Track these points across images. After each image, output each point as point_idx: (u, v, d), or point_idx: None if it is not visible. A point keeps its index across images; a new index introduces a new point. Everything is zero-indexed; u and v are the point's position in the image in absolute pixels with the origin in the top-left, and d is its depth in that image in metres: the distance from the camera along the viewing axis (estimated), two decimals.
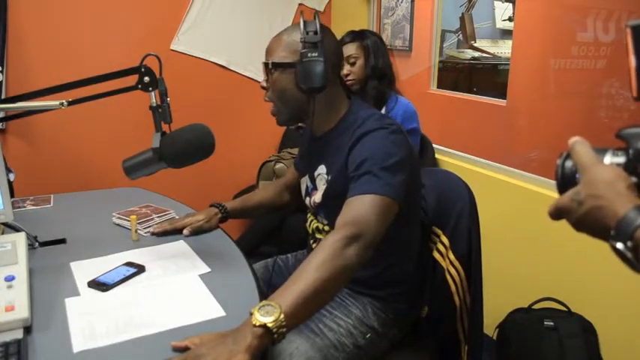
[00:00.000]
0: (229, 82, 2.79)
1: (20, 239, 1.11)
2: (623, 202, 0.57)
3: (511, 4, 3.13)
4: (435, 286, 1.32)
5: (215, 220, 1.41)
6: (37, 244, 1.28)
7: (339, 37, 1.46)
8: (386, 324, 1.24)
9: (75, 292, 1.06)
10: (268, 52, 1.21)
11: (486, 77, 3.08)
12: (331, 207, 1.21)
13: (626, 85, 1.65)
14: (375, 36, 2.24)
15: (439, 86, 2.55)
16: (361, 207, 1.02)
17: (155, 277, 1.14)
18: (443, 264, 1.30)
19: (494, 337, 1.78)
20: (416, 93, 2.49)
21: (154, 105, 1.15)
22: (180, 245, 1.32)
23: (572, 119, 1.85)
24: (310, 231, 1.34)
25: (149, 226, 1.40)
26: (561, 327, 1.61)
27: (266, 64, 1.20)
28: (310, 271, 0.91)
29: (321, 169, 1.25)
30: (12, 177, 1.64)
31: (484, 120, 2.24)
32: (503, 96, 2.12)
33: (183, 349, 0.84)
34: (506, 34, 3.26)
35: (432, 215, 1.33)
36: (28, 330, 0.91)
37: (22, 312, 0.90)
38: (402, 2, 2.58)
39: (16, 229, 1.24)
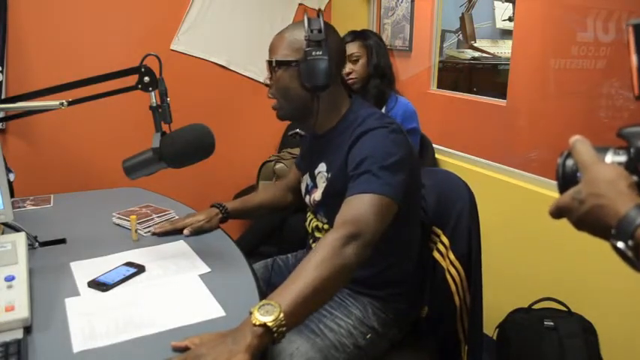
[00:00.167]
0: (229, 82, 2.79)
1: (20, 239, 1.11)
2: (624, 201, 0.57)
3: (511, 4, 3.13)
4: (435, 286, 1.32)
5: (215, 220, 1.41)
6: (37, 244, 1.28)
7: None
8: (386, 324, 1.24)
9: (75, 292, 1.06)
10: (272, 49, 1.21)
11: (486, 77, 3.08)
12: (331, 205, 1.21)
13: (626, 85, 1.65)
14: (375, 36, 2.26)
15: (439, 86, 2.55)
16: (360, 206, 1.02)
17: (155, 277, 1.14)
18: (443, 264, 1.30)
19: (494, 337, 1.78)
20: (416, 93, 2.49)
21: (154, 105, 1.15)
22: (180, 245, 1.32)
23: (572, 119, 1.85)
24: (310, 230, 1.34)
25: (149, 226, 1.40)
26: (561, 327, 1.61)
27: (270, 62, 1.20)
28: (309, 270, 0.91)
29: (322, 167, 1.25)
30: (12, 177, 1.64)
31: (484, 120, 2.24)
32: (503, 96, 2.12)
33: (183, 349, 0.84)
34: (506, 34, 3.26)
35: (432, 215, 1.33)
36: (28, 330, 0.91)
37: (22, 312, 0.90)
38: (402, 2, 2.58)
39: (16, 229, 1.24)
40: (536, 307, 1.72)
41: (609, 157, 0.63)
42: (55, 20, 2.33)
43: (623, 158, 0.63)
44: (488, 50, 3.16)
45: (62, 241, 1.32)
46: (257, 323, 0.82)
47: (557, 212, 0.65)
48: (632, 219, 0.55)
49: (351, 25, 2.38)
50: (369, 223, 1.00)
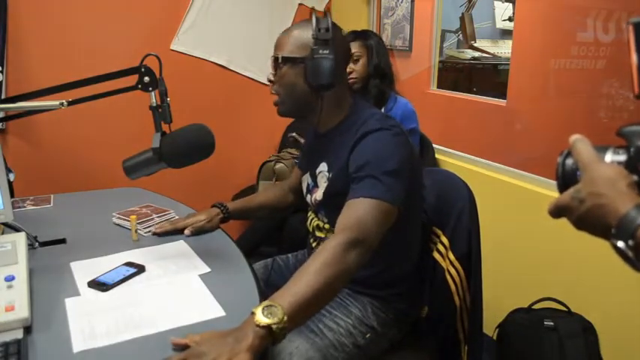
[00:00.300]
0: (229, 82, 2.79)
1: (20, 239, 1.11)
2: (624, 201, 0.57)
3: (511, 4, 3.13)
4: (434, 286, 1.32)
5: (216, 220, 1.41)
6: (37, 244, 1.28)
7: None
8: (386, 324, 1.24)
9: (75, 292, 1.06)
10: (278, 46, 1.21)
11: (486, 77, 3.08)
12: (332, 205, 1.21)
13: (626, 85, 1.65)
14: (376, 36, 2.26)
15: (439, 86, 2.55)
16: (362, 211, 1.03)
17: (155, 277, 1.14)
18: (443, 264, 1.30)
19: (494, 337, 1.78)
20: (416, 93, 2.49)
21: (154, 105, 1.15)
22: (180, 245, 1.32)
23: (572, 119, 1.85)
24: (310, 229, 1.34)
25: (149, 226, 1.40)
26: (561, 327, 1.61)
27: (275, 58, 1.20)
28: (312, 274, 0.92)
29: (323, 167, 1.25)
30: (12, 177, 1.64)
31: (484, 120, 2.24)
32: (503, 96, 2.12)
33: (183, 347, 0.84)
34: (506, 34, 3.26)
35: (431, 215, 1.33)
36: (28, 330, 0.91)
37: (22, 312, 0.90)
38: (402, 2, 2.58)
39: (16, 229, 1.24)
40: (536, 307, 1.72)
41: (609, 157, 0.63)
42: (55, 20, 2.33)
43: (622, 157, 0.62)
44: (488, 50, 3.16)
45: (62, 241, 1.32)
46: (260, 324, 0.82)
47: (557, 211, 0.65)
48: (632, 218, 0.55)
49: (351, 25, 2.38)
50: (371, 229, 1.01)
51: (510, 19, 3.14)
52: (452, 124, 2.43)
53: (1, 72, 2.21)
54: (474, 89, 2.88)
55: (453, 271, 1.28)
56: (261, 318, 0.83)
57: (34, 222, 1.38)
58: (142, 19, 2.52)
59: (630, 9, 1.66)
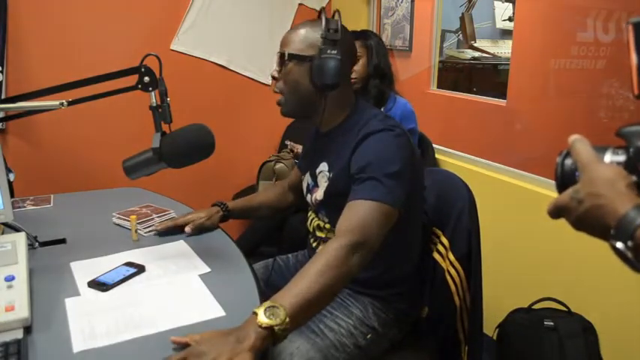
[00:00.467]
0: (229, 82, 2.79)
1: (20, 239, 1.11)
2: (623, 201, 0.57)
3: (511, 4, 3.13)
4: (435, 286, 1.32)
5: (216, 217, 1.41)
6: (37, 244, 1.28)
7: None
8: (386, 324, 1.24)
9: (75, 292, 1.06)
10: (284, 42, 1.20)
11: (486, 77, 3.08)
12: (332, 205, 1.21)
13: (626, 85, 1.65)
14: (376, 37, 2.26)
15: (439, 86, 2.55)
16: (364, 214, 1.03)
17: (155, 277, 1.14)
18: (443, 264, 1.30)
19: (494, 337, 1.78)
20: (416, 93, 2.49)
21: (154, 105, 1.15)
22: (180, 245, 1.32)
23: (572, 119, 1.85)
24: (311, 229, 1.34)
25: (149, 226, 1.40)
26: (561, 327, 1.61)
27: (282, 54, 1.19)
28: (314, 276, 0.92)
29: (323, 167, 1.25)
30: (12, 177, 1.64)
31: (484, 120, 2.24)
32: (503, 96, 2.12)
33: (184, 346, 0.84)
34: (506, 34, 3.26)
35: (431, 215, 1.33)
36: (28, 330, 0.91)
37: (22, 312, 0.90)
38: (402, 2, 2.58)
39: (16, 229, 1.24)
40: (536, 307, 1.72)
41: (608, 157, 0.63)
42: (55, 20, 2.33)
43: (622, 158, 0.62)
44: (488, 50, 3.16)
45: (62, 241, 1.32)
46: (263, 325, 0.82)
47: (556, 212, 0.64)
48: (631, 219, 0.55)
49: (351, 25, 2.36)
50: (372, 231, 1.02)
51: (510, 19, 3.14)
52: (452, 124, 2.43)
53: (1, 72, 2.21)
54: (474, 89, 2.88)
55: (453, 271, 1.28)
56: (264, 319, 0.83)
57: (34, 222, 1.38)
58: (142, 19, 2.52)
59: (630, 9, 1.66)
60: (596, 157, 0.63)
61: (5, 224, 1.24)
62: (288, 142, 2.63)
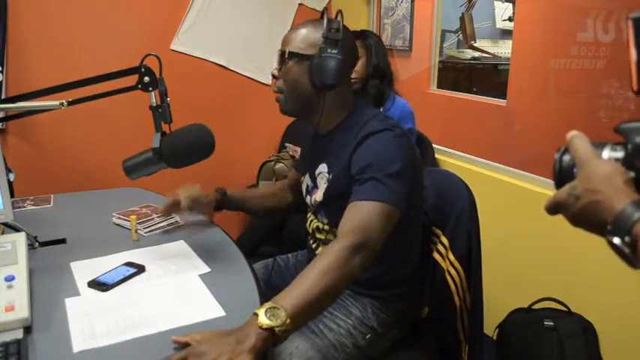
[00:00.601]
0: (229, 82, 2.79)
1: (20, 239, 1.11)
2: (620, 197, 0.57)
3: (511, 4, 3.13)
4: (435, 286, 1.32)
5: (212, 196, 1.37)
6: (37, 244, 1.28)
7: None
8: (386, 324, 1.24)
9: (75, 292, 1.06)
10: (285, 41, 1.20)
11: (486, 77, 3.08)
12: (332, 206, 1.21)
13: (626, 85, 1.65)
14: (375, 36, 2.26)
15: (439, 86, 2.55)
16: (366, 214, 1.03)
17: (155, 277, 1.14)
18: (443, 264, 1.30)
19: (494, 337, 1.78)
20: (416, 93, 2.49)
21: (154, 105, 1.15)
22: (180, 245, 1.32)
23: (572, 119, 1.85)
24: (310, 230, 1.34)
25: (149, 226, 1.40)
26: (561, 327, 1.61)
27: (282, 53, 1.19)
28: (316, 277, 0.92)
29: (322, 168, 1.25)
30: (12, 177, 1.64)
31: (484, 120, 2.24)
32: (503, 96, 2.12)
33: (184, 346, 0.84)
34: (506, 34, 3.26)
35: (431, 215, 1.33)
36: (28, 330, 0.91)
37: (22, 312, 0.90)
38: (402, 2, 2.58)
39: (16, 229, 1.24)
40: (536, 307, 1.72)
41: (606, 153, 0.63)
42: (55, 20, 2.33)
43: (620, 154, 0.62)
44: (488, 50, 3.16)
45: (62, 241, 1.32)
46: (263, 326, 0.82)
47: (553, 208, 0.64)
48: (628, 215, 0.55)
49: (351, 25, 2.35)
50: (374, 232, 1.01)
51: (510, 19, 3.14)
52: (452, 124, 2.43)
53: (1, 72, 2.21)
54: (474, 89, 2.88)
55: (453, 271, 1.27)
56: (264, 320, 0.83)
57: (34, 222, 1.38)
58: (142, 19, 2.52)
59: (630, 9, 1.66)
60: (594, 153, 0.63)
61: (5, 224, 1.24)
62: (287, 145, 2.63)
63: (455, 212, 1.28)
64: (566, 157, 0.66)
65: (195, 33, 2.65)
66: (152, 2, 2.54)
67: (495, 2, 3.31)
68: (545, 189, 1.85)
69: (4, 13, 2.20)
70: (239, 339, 0.82)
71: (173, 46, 2.61)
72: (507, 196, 2.01)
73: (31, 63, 2.29)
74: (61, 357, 0.85)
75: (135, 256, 1.24)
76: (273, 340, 0.83)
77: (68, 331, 0.91)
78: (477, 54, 3.11)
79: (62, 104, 1.17)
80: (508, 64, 2.09)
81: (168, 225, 1.44)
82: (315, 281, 0.91)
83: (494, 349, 1.78)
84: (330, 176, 1.22)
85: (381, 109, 2.14)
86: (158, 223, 1.43)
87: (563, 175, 0.65)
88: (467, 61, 3.09)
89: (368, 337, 1.21)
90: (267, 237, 2.42)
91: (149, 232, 1.39)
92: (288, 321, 0.84)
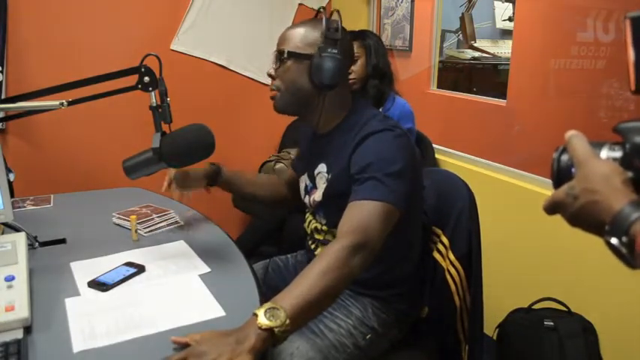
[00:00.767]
0: (229, 82, 2.79)
1: (20, 239, 1.11)
2: (618, 197, 0.57)
3: (511, 4, 3.13)
4: (435, 286, 1.32)
5: (201, 171, 1.40)
6: (37, 244, 1.28)
7: None
8: (386, 324, 1.24)
9: (75, 292, 1.06)
10: (283, 40, 1.19)
11: (486, 77, 3.08)
12: (331, 206, 1.21)
13: (625, 85, 1.65)
14: (375, 36, 2.25)
15: (439, 86, 2.55)
16: (366, 214, 1.03)
17: (155, 277, 1.14)
18: (443, 264, 1.30)
19: (494, 337, 1.78)
20: (416, 93, 2.49)
21: (154, 105, 1.15)
22: (180, 245, 1.32)
23: (572, 119, 1.85)
24: (309, 231, 1.34)
25: (149, 226, 1.40)
26: (561, 327, 1.61)
27: (281, 52, 1.18)
28: (315, 278, 0.92)
29: (322, 168, 1.25)
30: (12, 177, 1.64)
31: (484, 120, 2.24)
32: (503, 96, 2.12)
33: (184, 346, 0.84)
34: (506, 34, 3.26)
35: (431, 215, 1.33)
36: (28, 330, 0.91)
37: (22, 312, 0.90)
38: (402, 2, 2.58)
39: (16, 229, 1.24)
40: (536, 307, 1.72)
41: (604, 153, 0.63)
42: (55, 20, 2.33)
43: (618, 154, 0.62)
44: (488, 50, 3.16)
45: (62, 241, 1.32)
46: (263, 327, 0.82)
47: (551, 208, 0.64)
48: (626, 215, 0.55)
49: (351, 25, 2.37)
50: (374, 232, 1.01)
51: (510, 19, 3.14)
52: (452, 124, 2.43)
53: (1, 72, 2.21)
54: (474, 89, 2.88)
55: (453, 271, 1.28)
56: (264, 320, 0.82)
57: (34, 222, 1.38)
58: (142, 19, 2.52)
59: (630, 9, 1.66)
60: (593, 152, 0.62)
61: (5, 224, 1.24)
62: (288, 152, 2.62)
63: (455, 212, 1.28)
64: (565, 157, 0.65)
65: (195, 33, 2.65)
66: (152, 2, 2.54)
67: (495, 2, 3.31)
68: (545, 189, 1.85)
69: (4, 13, 2.20)
70: (239, 339, 0.81)
71: (173, 46, 2.61)
72: (507, 196, 2.01)
73: (31, 63, 2.30)
74: (61, 357, 0.85)
75: (135, 256, 1.24)
76: (272, 340, 0.83)
77: (68, 331, 0.91)
78: (477, 54, 3.11)
79: (62, 104, 1.17)
80: (508, 64, 2.09)
81: (168, 225, 1.44)
82: (315, 281, 0.91)
83: (494, 349, 1.78)
84: (330, 176, 1.22)
85: (381, 109, 2.14)
86: (158, 223, 1.43)
87: (561, 175, 0.65)
88: (467, 61, 3.08)
89: (368, 337, 1.21)
90: (267, 237, 2.42)
91: (149, 232, 1.39)
92: (288, 321, 0.84)
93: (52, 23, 2.33)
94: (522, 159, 2.02)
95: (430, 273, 1.33)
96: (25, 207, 1.60)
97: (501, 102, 2.14)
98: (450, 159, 2.33)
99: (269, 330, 0.82)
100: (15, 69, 2.26)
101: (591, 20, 1.72)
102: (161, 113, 1.14)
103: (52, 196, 1.70)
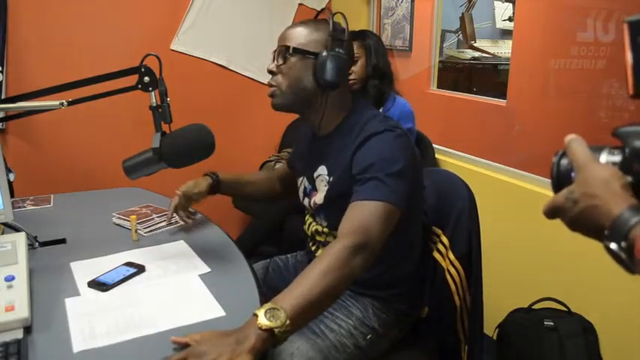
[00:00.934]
0: (229, 82, 2.79)
1: (20, 239, 1.11)
2: (617, 202, 0.56)
3: (511, 4, 3.13)
4: (435, 286, 1.32)
5: (204, 185, 1.42)
6: (37, 244, 1.28)
7: None
8: (386, 324, 1.24)
9: (75, 292, 1.06)
10: (286, 37, 1.18)
11: (486, 77, 3.08)
12: (332, 208, 1.21)
13: (625, 86, 1.65)
14: (375, 36, 2.25)
15: (439, 86, 2.55)
16: (367, 214, 1.03)
17: (155, 277, 1.14)
18: (443, 264, 1.30)
19: (494, 337, 1.78)
20: (416, 93, 2.49)
21: (154, 105, 1.15)
22: (180, 245, 1.32)
23: (572, 119, 1.85)
24: (309, 233, 1.33)
25: (149, 226, 1.40)
26: (561, 327, 1.61)
27: (286, 48, 1.16)
28: (316, 278, 0.92)
29: (322, 170, 1.24)
30: (12, 177, 1.64)
31: (484, 120, 2.24)
32: (503, 96, 2.12)
33: (184, 346, 0.84)
34: (506, 34, 3.26)
35: (431, 215, 1.33)
36: (28, 330, 0.91)
37: (22, 312, 0.90)
38: (402, 2, 2.58)
39: (16, 229, 1.24)
40: (536, 307, 1.72)
41: (604, 157, 0.63)
42: (55, 20, 2.33)
43: (617, 158, 0.62)
44: (488, 50, 3.16)
45: (62, 241, 1.32)
46: (263, 327, 0.82)
47: (551, 212, 0.64)
48: (625, 220, 0.54)
49: (351, 25, 2.36)
50: (375, 232, 1.01)
51: (510, 19, 3.14)
52: (452, 124, 2.43)
53: (1, 72, 2.21)
54: (474, 89, 2.88)
55: (453, 271, 1.28)
56: (264, 321, 0.82)
57: (34, 222, 1.38)
58: (142, 19, 2.52)
59: (630, 9, 1.66)
60: (592, 157, 0.62)
61: (5, 224, 1.24)
62: (288, 152, 2.62)
63: (455, 212, 1.28)
64: (564, 161, 0.65)
65: (195, 33, 2.65)
66: (152, 2, 2.54)
67: (495, 2, 3.31)
68: (545, 189, 1.84)
69: (4, 13, 2.20)
70: (239, 339, 0.81)
71: (173, 46, 2.61)
72: (507, 196, 2.01)
73: (31, 63, 2.30)
74: (61, 357, 0.85)
75: (135, 256, 1.24)
76: (272, 340, 0.83)
77: (68, 331, 0.91)
78: (477, 54, 3.11)
79: (62, 104, 1.17)
80: (508, 64, 2.10)
81: (168, 225, 1.44)
82: (316, 282, 0.91)
83: (494, 349, 1.78)
84: (331, 179, 1.21)
85: (381, 109, 2.14)
86: (158, 223, 1.43)
87: (561, 179, 0.65)
88: (467, 61, 3.09)
89: (369, 337, 1.21)
90: (267, 237, 2.42)
91: (149, 232, 1.39)
92: (288, 322, 0.84)
93: (52, 23, 2.33)
94: (522, 159, 2.02)
95: (430, 273, 1.33)
96: (25, 207, 1.60)
97: (501, 102, 2.14)
98: (450, 159, 2.33)
99: (269, 330, 0.82)
100: (15, 69, 2.26)
101: (591, 20, 1.72)
102: (161, 113, 1.14)
103: (52, 196, 1.70)
